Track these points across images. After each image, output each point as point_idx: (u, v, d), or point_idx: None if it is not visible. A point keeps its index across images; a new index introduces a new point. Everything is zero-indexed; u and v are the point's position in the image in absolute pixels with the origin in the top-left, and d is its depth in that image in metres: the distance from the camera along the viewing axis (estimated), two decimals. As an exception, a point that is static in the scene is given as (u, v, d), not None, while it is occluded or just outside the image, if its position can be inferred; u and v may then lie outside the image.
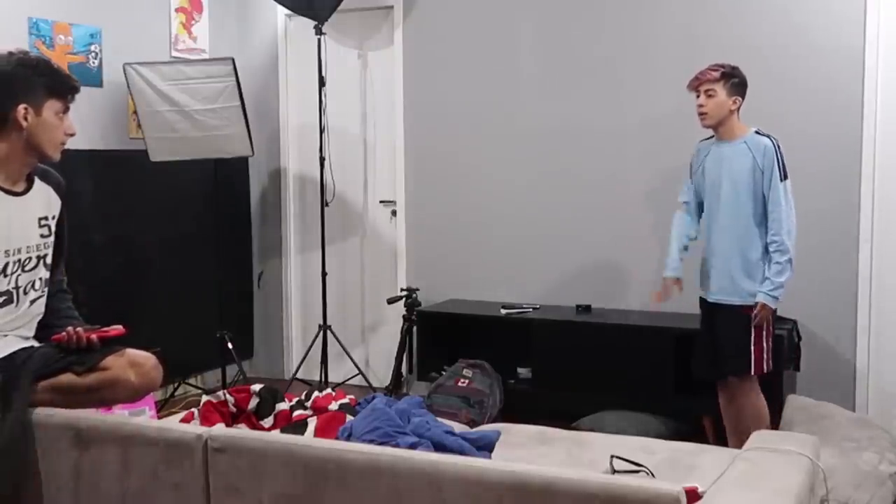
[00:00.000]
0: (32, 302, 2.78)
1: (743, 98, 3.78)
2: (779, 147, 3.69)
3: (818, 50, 4.53)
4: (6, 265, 2.67)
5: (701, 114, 3.79)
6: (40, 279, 2.80)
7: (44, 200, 2.82)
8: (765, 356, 3.75)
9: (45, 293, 2.84)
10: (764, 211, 3.71)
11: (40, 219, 2.79)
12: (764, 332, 3.74)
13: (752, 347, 3.73)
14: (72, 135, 2.77)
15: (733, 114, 3.77)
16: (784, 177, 3.67)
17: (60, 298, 2.94)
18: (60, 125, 2.71)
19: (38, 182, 2.80)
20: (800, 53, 4.57)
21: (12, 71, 2.64)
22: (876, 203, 4.46)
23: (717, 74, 3.74)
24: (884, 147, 4.44)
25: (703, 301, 3.95)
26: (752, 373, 3.75)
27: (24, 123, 2.64)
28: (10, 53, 2.69)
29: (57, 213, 2.87)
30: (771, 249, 3.69)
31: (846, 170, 4.49)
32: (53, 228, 2.85)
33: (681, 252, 4.01)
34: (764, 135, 3.73)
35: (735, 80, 3.75)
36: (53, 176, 2.86)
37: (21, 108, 2.62)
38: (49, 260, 2.83)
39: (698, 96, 3.79)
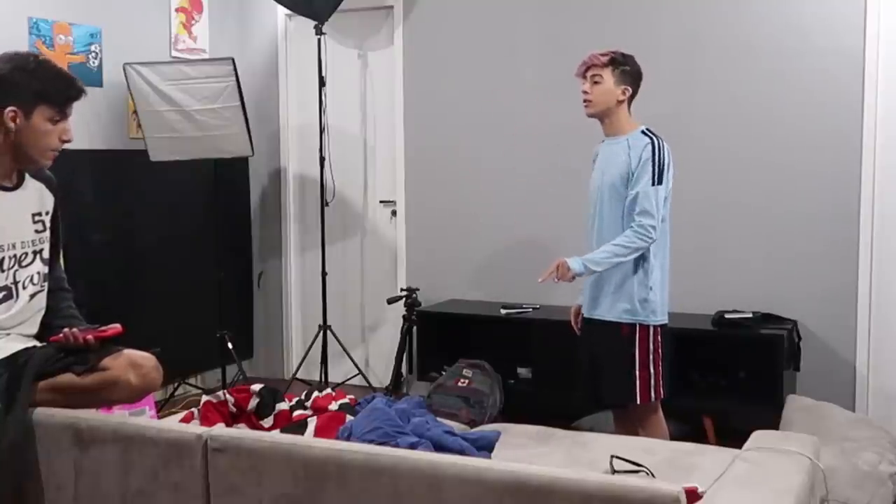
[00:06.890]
0: (32, 296, 2.79)
1: (634, 90, 3.46)
2: (660, 149, 3.35)
3: (818, 50, 4.52)
4: (2, 260, 2.69)
5: (585, 101, 3.46)
6: (38, 273, 2.81)
7: (36, 196, 2.84)
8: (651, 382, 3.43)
9: (45, 288, 2.85)
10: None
11: (34, 214, 2.82)
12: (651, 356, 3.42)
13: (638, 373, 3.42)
14: (67, 141, 2.75)
15: (621, 105, 3.44)
16: (656, 182, 3.31)
17: (61, 297, 2.95)
18: (53, 130, 2.69)
19: (28, 178, 2.82)
20: (800, 53, 4.56)
21: (5, 73, 2.65)
22: (876, 203, 4.45)
23: (605, 59, 3.42)
24: (884, 147, 4.43)
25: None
26: (638, 401, 3.44)
27: (12, 126, 2.64)
28: (16, 55, 2.71)
29: (50, 208, 2.88)
30: (627, 231, 3.32)
31: (846, 170, 4.49)
32: (48, 224, 2.87)
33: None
34: (650, 134, 3.39)
35: (625, 69, 3.43)
36: (43, 172, 2.87)
37: (9, 110, 2.63)
38: (46, 254, 2.85)
39: (585, 83, 3.48)
